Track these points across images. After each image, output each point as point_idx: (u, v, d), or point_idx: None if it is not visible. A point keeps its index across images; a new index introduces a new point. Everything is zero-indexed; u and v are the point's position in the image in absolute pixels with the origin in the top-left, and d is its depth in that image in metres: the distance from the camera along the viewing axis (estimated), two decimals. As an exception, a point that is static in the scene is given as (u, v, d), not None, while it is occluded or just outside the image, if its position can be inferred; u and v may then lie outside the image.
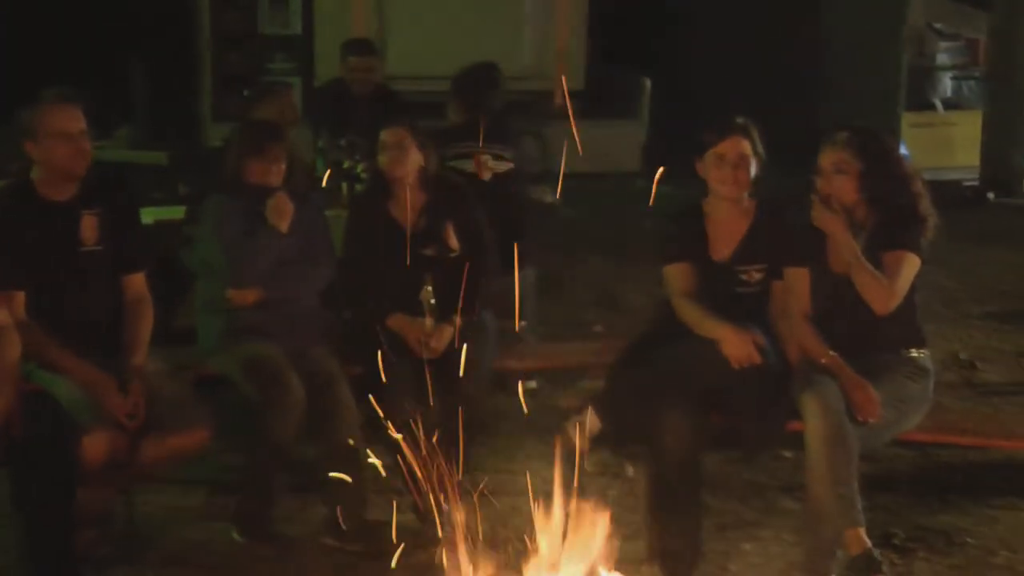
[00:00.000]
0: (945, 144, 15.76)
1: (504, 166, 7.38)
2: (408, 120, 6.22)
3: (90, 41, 12.65)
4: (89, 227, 5.33)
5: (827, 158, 5.21)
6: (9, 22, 12.90)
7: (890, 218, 5.20)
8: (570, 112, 6.78)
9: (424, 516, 5.60)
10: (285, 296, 5.84)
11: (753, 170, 5.39)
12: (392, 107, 8.41)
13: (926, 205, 5.26)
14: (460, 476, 5.76)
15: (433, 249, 6.05)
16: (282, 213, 5.81)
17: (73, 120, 5.22)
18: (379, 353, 5.70)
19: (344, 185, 7.65)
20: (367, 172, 7.44)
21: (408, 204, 6.06)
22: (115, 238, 5.38)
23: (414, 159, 6.06)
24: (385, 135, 6.08)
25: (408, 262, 5.92)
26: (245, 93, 8.19)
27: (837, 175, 5.18)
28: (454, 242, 6.10)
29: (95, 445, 4.93)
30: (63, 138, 5.19)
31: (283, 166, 5.87)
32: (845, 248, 5.12)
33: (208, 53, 13.15)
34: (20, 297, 5.14)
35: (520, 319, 7.23)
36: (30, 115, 5.23)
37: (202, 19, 13.19)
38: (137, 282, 5.46)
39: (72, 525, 4.91)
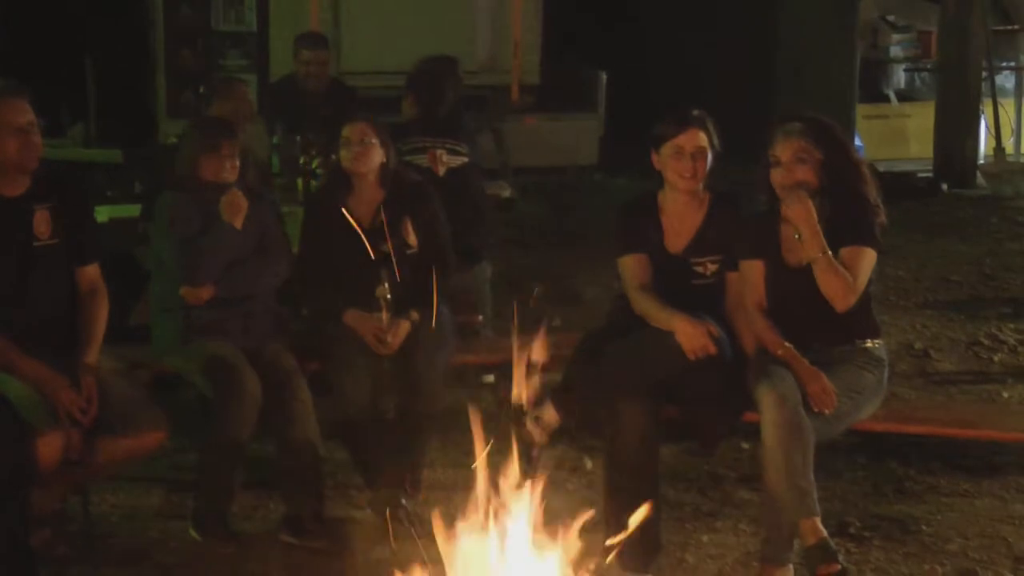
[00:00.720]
0: (899, 136, 15.83)
1: (459, 161, 7.37)
2: (370, 115, 6.21)
3: (42, 38, 12.56)
4: (43, 221, 5.28)
5: (786, 149, 5.19)
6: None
7: (844, 208, 5.22)
8: None
9: (382, 512, 5.61)
10: (240, 293, 5.81)
11: (709, 162, 5.41)
12: (347, 102, 8.40)
13: (875, 194, 5.29)
14: (418, 471, 5.80)
15: (391, 245, 6.04)
16: (236, 209, 5.78)
17: (22, 113, 5.16)
18: (335, 349, 5.72)
19: (300, 181, 7.63)
20: (323, 168, 7.44)
21: (367, 200, 6.06)
22: (69, 231, 5.33)
23: (376, 155, 6.05)
24: (347, 130, 6.06)
25: (366, 258, 5.91)
26: (200, 89, 8.17)
27: (799, 164, 5.17)
28: (413, 238, 6.10)
29: (49, 446, 4.90)
30: (13, 132, 5.13)
31: (237, 163, 5.84)
32: (814, 242, 5.09)
33: (161, 50, 13.08)
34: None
35: (477, 314, 7.26)
36: None
37: (155, 15, 13.13)
38: (91, 273, 5.40)
39: (27, 525, 4.88)
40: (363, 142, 6.02)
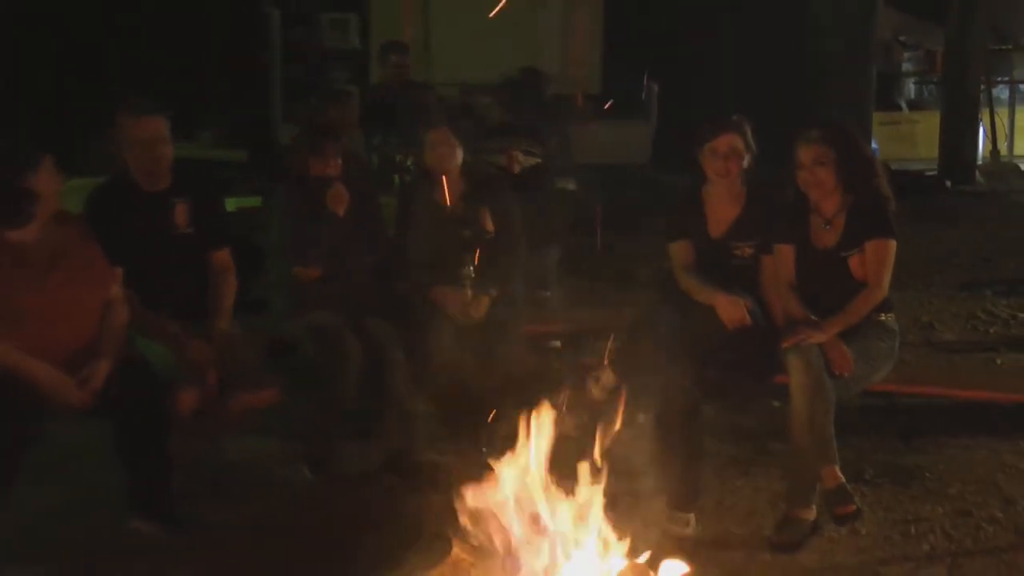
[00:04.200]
0: (909, 139, 15.74)
1: (533, 160, 7.37)
2: (448, 119, 6.22)
3: (175, 53, 12.67)
4: (181, 213, 5.39)
5: (806, 154, 5.16)
6: (114, 43, 12.94)
7: (863, 203, 5.17)
8: None
9: (463, 459, 5.62)
10: (344, 272, 5.84)
11: (745, 162, 5.38)
12: (424, 98, 8.39)
13: (886, 186, 5.25)
14: (494, 425, 5.81)
15: (471, 230, 6.05)
16: (339, 201, 5.81)
17: (150, 129, 5.25)
18: (425, 319, 5.73)
19: (396, 177, 7.66)
20: (414, 165, 7.46)
21: (450, 192, 6.08)
22: (203, 221, 5.43)
23: (458, 154, 6.06)
24: (432, 135, 6.08)
25: (451, 241, 5.93)
26: (312, 99, 8.20)
27: (819, 167, 5.13)
28: (490, 224, 6.10)
29: (185, 400, 4.98)
30: (141, 146, 5.24)
31: (340, 161, 5.87)
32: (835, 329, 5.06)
33: (278, 65, 13.15)
34: (121, 273, 5.17)
35: (546, 290, 7.27)
36: (116, 126, 5.28)
37: (273, 36, 13.19)
38: (222, 256, 5.52)
39: (167, 467, 4.95)
40: (446, 143, 6.04)
